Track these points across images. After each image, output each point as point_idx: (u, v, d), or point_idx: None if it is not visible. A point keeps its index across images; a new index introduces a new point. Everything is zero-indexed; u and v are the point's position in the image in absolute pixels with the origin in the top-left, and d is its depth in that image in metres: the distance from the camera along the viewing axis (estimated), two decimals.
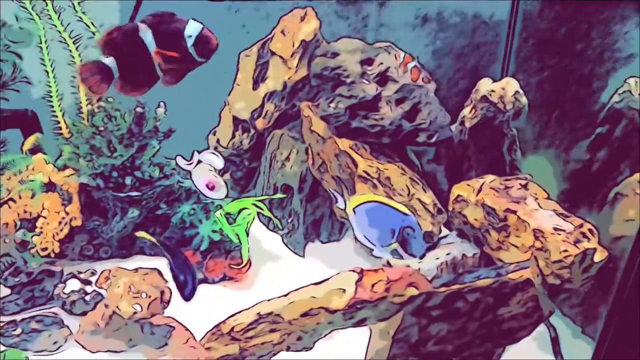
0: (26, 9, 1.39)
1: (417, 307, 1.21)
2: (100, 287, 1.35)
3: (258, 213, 1.56)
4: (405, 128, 1.42)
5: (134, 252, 1.57)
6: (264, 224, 1.68)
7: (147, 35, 1.10)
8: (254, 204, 1.55)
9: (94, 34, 1.47)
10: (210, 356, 1.24)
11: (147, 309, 1.26)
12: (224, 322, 1.26)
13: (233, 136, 1.69)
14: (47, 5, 1.42)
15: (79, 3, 1.41)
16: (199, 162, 1.48)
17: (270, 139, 1.64)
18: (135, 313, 1.24)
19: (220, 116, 1.70)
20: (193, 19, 1.16)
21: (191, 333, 1.27)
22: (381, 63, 1.46)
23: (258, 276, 1.56)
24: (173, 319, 1.29)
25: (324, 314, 1.18)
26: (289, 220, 1.62)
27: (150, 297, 1.27)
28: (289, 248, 1.63)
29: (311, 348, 1.26)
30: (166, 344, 1.26)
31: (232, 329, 1.24)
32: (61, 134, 1.55)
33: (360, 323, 1.21)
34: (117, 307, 1.27)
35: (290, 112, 1.63)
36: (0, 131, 1.54)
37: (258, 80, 1.64)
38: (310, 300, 1.18)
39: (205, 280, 1.52)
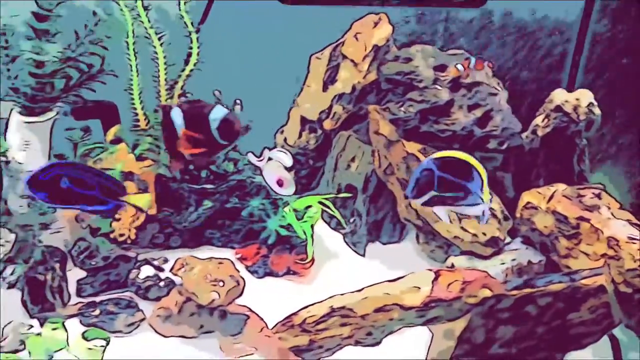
0: (118, 4, 1.45)
1: (487, 309, 1.23)
2: (176, 275, 1.39)
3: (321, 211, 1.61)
4: (477, 134, 1.44)
5: (203, 243, 1.61)
6: (326, 222, 1.71)
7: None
8: (320, 202, 1.59)
9: (190, 33, 1.52)
10: (282, 346, 1.28)
11: (225, 297, 1.30)
12: (295, 313, 1.29)
13: (300, 135, 1.72)
14: (136, 1, 1.48)
15: (185, 3, 1.47)
16: (269, 159, 1.53)
17: (337, 139, 1.67)
18: (213, 300, 1.28)
19: (289, 115, 1.75)
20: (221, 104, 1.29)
21: (265, 322, 1.31)
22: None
23: (320, 272, 1.59)
24: (248, 308, 1.33)
25: (397, 311, 1.20)
26: (352, 220, 1.65)
27: (227, 285, 1.31)
28: (350, 247, 1.65)
29: (379, 343, 1.28)
30: (240, 332, 1.31)
31: (304, 320, 1.26)
32: (138, 126, 1.60)
33: (430, 322, 1.23)
34: (195, 294, 1.31)
35: (358, 114, 1.66)
36: (84, 120, 1.60)
37: (328, 82, 1.67)
38: (385, 296, 1.21)
39: (270, 273, 1.56)
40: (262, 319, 1.31)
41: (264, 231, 1.56)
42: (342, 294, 1.26)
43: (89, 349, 1.29)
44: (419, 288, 1.17)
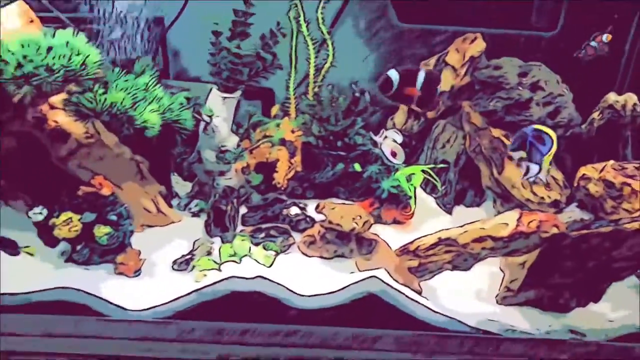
0: (288, 17, 1.92)
1: (553, 245, 1.55)
2: (319, 213, 1.75)
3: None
4: (548, 124, 1.83)
5: (331, 195, 2.01)
6: (421, 187, 2.09)
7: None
8: (422, 171, 2.01)
9: (325, 39, 1.98)
10: (401, 265, 1.66)
11: (361, 227, 1.71)
12: (411, 242, 1.65)
13: (406, 122, 2.14)
14: (300, 15, 1.94)
15: (322, 18, 1.94)
16: (386, 136, 1.96)
17: (436, 126, 2.08)
18: (354, 228, 1.66)
19: (399, 106, 2.16)
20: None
21: (390, 246, 1.73)
22: (534, 76, 1.90)
23: (417, 224, 1.96)
24: (377, 235, 1.74)
25: (489, 241, 1.51)
26: (444, 187, 2.05)
27: (363, 218, 1.71)
28: (441, 207, 2.04)
29: (469, 269, 1.63)
30: (372, 252, 1.71)
31: (418, 247, 1.62)
32: (289, 107, 2.07)
33: (511, 253, 1.55)
34: (339, 224, 1.68)
35: (453, 107, 2.05)
36: (251, 100, 2.07)
37: None
38: (480, 230, 1.52)
39: (379, 221, 1.93)
40: (387, 244, 1.72)
41: (379, 189, 1.93)
42: (447, 229, 1.66)
43: (266, 256, 1.73)
44: (507, 224, 1.53)
